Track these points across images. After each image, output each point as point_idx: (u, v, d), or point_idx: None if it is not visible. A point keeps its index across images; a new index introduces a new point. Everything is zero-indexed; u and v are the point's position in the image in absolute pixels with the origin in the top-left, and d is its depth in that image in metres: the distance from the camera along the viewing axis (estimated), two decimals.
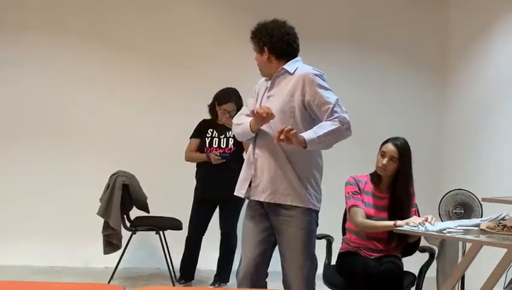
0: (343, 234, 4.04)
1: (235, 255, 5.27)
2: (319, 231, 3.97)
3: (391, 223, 3.63)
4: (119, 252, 5.31)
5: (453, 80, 6.20)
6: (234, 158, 5.20)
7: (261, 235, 3.42)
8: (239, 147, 5.27)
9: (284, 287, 3.43)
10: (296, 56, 3.47)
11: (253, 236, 3.43)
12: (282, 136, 3.09)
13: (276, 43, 3.40)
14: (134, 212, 5.52)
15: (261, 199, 3.37)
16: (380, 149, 3.83)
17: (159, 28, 6.19)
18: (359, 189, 3.84)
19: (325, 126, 3.20)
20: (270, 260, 3.49)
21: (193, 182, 5.38)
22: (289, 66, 3.40)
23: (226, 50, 6.15)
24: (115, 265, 5.33)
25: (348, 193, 3.84)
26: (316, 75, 3.33)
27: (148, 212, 5.53)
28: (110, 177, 5.37)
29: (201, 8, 6.23)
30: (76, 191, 5.94)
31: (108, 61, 6.18)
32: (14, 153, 6.03)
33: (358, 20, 6.32)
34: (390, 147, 3.78)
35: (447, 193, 4.41)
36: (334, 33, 6.27)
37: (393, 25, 6.33)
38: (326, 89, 3.32)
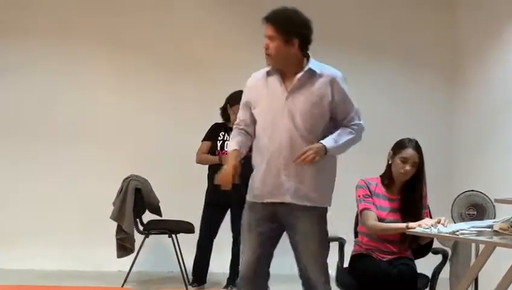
0: (356, 236, 4.03)
1: None
2: (331, 233, 3.98)
3: (403, 225, 3.62)
4: (132, 255, 5.34)
5: (464, 81, 6.18)
6: (246, 161, 5.20)
7: (261, 236, 3.36)
8: (250, 150, 5.27)
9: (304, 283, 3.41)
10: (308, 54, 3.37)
11: (253, 239, 3.37)
12: (302, 160, 3.16)
13: (308, 37, 3.28)
14: (147, 216, 5.55)
15: (286, 201, 3.29)
16: (398, 154, 3.76)
17: (170, 30, 6.22)
18: (370, 192, 3.82)
19: (344, 134, 3.30)
20: (270, 261, 3.46)
21: (205, 185, 5.39)
22: (314, 65, 3.29)
23: (239, 54, 6.17)
24: (128, 269, 5.36)
25: (359, 196, 3.83)
26: (343, 78, 3.34)
27: (160, 215, 5.56)
28: (123, 181, 5.40)
29: (213, 11, 6.25)
30: (90, 195, 5.96)
31: (119, 63, 6.23)
32: (25, 156, 6.08)
33: (368, 22, 6.32)
34: (411, 152, 3.74)
35: (459, 195, 4.39)
36: (343, 35, 6.26)
37: (403, 26, 6.32)
38: (349, 94, 3.35)
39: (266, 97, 3.32)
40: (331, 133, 3.30)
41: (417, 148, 3.76)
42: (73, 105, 6.17)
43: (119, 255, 5.34)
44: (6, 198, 5.99)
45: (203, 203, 5.37)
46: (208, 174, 5.40)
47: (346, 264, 3.98)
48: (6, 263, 5.72)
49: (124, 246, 5.32)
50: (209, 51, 6.23)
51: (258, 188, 3.38)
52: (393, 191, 3.84)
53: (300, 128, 3.24)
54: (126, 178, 5.42)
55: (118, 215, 5.30)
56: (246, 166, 5.10)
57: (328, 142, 3.23)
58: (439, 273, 3.86)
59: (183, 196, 5.76)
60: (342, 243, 4.04)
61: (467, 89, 6.11)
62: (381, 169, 3.91)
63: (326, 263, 3.38)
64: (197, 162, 5.41)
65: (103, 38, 6.21)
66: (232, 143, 3.44)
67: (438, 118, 6.34)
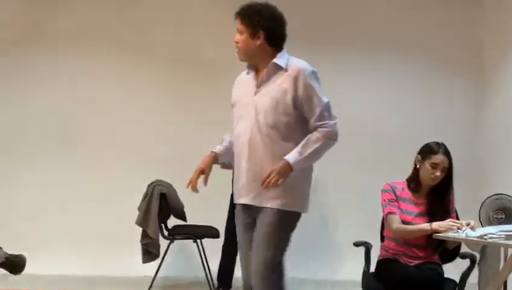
0: (382, 241, 4.00)
1: None
2: (358, 238, 3.96)
3: (427, 226, 3.59)
4: (158, 260, 5.36)
5: (491, 80, 6.11)
6: None
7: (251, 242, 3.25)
8: None
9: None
10: (283, 47, 3.23)
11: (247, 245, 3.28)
12: (266, 185, 3.05)
13: (275, 29, 3.17)
14: (172, 221, 5.57)
15: (248, 202, 3.23)
16: (427, 159, 3.72)
17: (191, 32, 6.26)
18: (396, 196, 3.79)
19: (310, 143, 3.11)
20: None
21: (229, 190, 5.38)
22: (280, 59, 3.17)
23: None
24: (154, 274, 5.38)
25: (385, 200, 3.80)
26: (311, 71, 3.15)
27: (185, 220, 5.57)
28: (148, 186, 5.43)
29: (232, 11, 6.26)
30: (115, 200, 6.00)
31: (143, 71, 6.28)
32: (52, 164, 6.14)
33: (394, 21, 6.29)
34: (441, 157, 3.70)
35: (487, 198, 4.34)
36: (369, 34, 6.25)
37: (430, 23, 6.29)
38: (319, 89, 3.16)
39: (241, 95, 3.30)
40: (303, 134, 3.15)
41: (446, 153, 3.73)
42: (99, 111, 6.23)
43: (145, 260, 5.36)
44: (37, 206, 6.06)
45: (228, 208, 5.36)
46: (232, 179, 5.39)
47: (372, 269, 3.95)
48: (38, 268, 5.77)
49: (149, 251, 5.34)
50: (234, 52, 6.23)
51: (234, 189, 3.40)
52: (420, 195, 3.81)
53: (262, 124, 3.14)
54: (151, 183, 5.45)
55: (143, 221, 5.32)
56: None
57: (293, 156, 3.07)
58: (467, 278, 3.80)
59: (208, 201, 5.76)
60: (368, 248, 4.01)
61: (495, 88, 6.03)
62: (406, 171, 3.87)
63: (271, 267, 3.13)
64: (221, 167, 5.41)
65: (137, 49, 6.27)
66: (217, 146, 3.46)
67: (464, 117, 6.27)
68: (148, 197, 5.37)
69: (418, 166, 3.79)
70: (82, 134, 6.19)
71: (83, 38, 6.25)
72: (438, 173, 3.70)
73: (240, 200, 3.30)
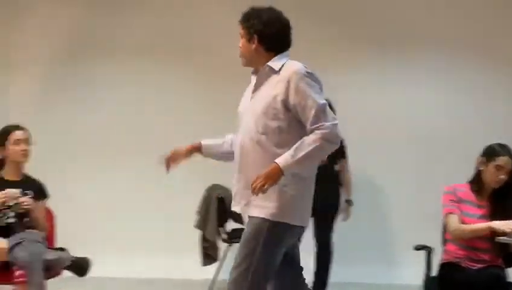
0: (444, 244, 3.94)
1: (332, 265, 5.28)
2: (419, 241, 3.92)
3: (486, 224, 3.53)
4: (217, 264, 5.41)
5: None
6: (326, 170, 5.22)
7: None
8: (331, 158, 5.26)
9: None
10: (284, 51, 3.10)
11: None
12: (254, 192, 2.88)
13: (269, 32, 3.04)
14: (231, 225, 5.62)
15: (238, 210, 3.14)
16: (491, 161, 3.65)
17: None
18: (457, 198, 3.74)
19: (304, 146, 2.86)
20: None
21: None
22: (274, 62, 3.04)
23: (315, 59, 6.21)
24: (213, 277, 5.43)
25: (445, 201, 3.75)
26: (304, 73, 2.96)
27: (243, 224, 5.58)
28: (206, 190, 5.50)
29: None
30: (176, 204, 6.08)
31: (198, 72, 6.36)
32: (114, 169, 6.29)
33: (453, 21, 6.22)
34: (506, 159, 3.63)
35: None
36: (428, 34, 6.19)
37: (490, 26, 6.18)
38: (315, 90, 2.95)
39: (243, 102, 3.22)
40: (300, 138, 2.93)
41: (511, 154, 3.65)
42: (160, 117, 6.35)
43: (204, 264, 5.43)
44: (102, 209, 6.22)
45: None
46: None
47: (433, 274, 3.90)
48: (102, 271, 5.90)
49: (209, 255, 5.41)
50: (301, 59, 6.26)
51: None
52: (482, 197, 3.74)
53: (252, 130, 3.01)
54: (209, 187, 5.52)
55: (201, 224, 5.40)
56: (325, 174, 5.15)
57: (284, 159, 2.85)
58: None
59: None
60: (429, 252, 3.95)
61: None
62: (465, 173, 3.81)
63: (238, 281, 3.02)
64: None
65: (185, 55, 6.37)
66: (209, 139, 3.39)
67: None
68: (206, 201, 5.44)
69: (481, 168, 3.72)
70: (140, 138, 6.31)
71: (139, 46, 6.39)
72: (503, 176, 3.63)
73: (235, 208, 3.17)
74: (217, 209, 5.41)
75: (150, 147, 6.27)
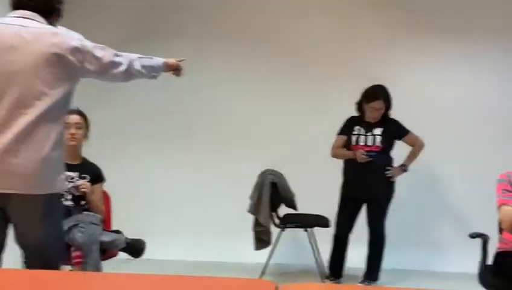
0: (500, 232, 3.84)
1: (384, 253, 5.23)
2: (473, 229, 3.84)
3: None
4: (269, 248, 5.45)
5: None
6: (381, 156, 5.15)
7: None
8: (387, 144, 5.20)
9: None
10: None
11: None
12: None
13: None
14: (283, 210, 5.64)
15: None
16: None
17: (326, 30, 6.30)
18: (511, 186, 3.62)
19: None
20: None
21: (340, 179, 5.37)
22: None
23: (376, 47, 6.15)
24: (266, 261, 5.47)
25: (499, 190, 3.63)
26: None
27: (296, 209, 5.62)
28: (259, 175, 5.52)
29: (368, 11, 6.24)
30: (229, 189, 6.14)
31: (260, 60, 6.37)
32: (171, 154, 6.38)
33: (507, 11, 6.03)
34: None
35: None
36: (482, 24, 6.03)
37: None
38: None
39: None
40: None
41: None
42: (219, 105, 6.39)
43: (257, 248, 5.46)
44: (163, 196, 6.33)
45: (339, 198, 5.35)
46: (343, 168, 5.37)
47: (490, 262, 3.82)
48: (157, 253, 6.04)
49: (262, 239, 5.44)
50: (363, 47, 6.20)
51: None
52: None
53: None
54: (262, 172, 5.54)
55: (254, 209, 5.43)
56: (379, 161, 5.10)
57: None
58: None
59: (318, 190, 5.78)
60: (485, 240, 3.86)
61: None
62: None
63: None
64: (332, 156, 5.39)
65: (249, 38, 6.37)
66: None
67: None
68: (259, 186, 5.46)
69: None
70: (197, 124, 6.39)
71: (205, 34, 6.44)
72: None
73: None
74: (269, 194, 5.43)
75: (208, 134, 6.37)
